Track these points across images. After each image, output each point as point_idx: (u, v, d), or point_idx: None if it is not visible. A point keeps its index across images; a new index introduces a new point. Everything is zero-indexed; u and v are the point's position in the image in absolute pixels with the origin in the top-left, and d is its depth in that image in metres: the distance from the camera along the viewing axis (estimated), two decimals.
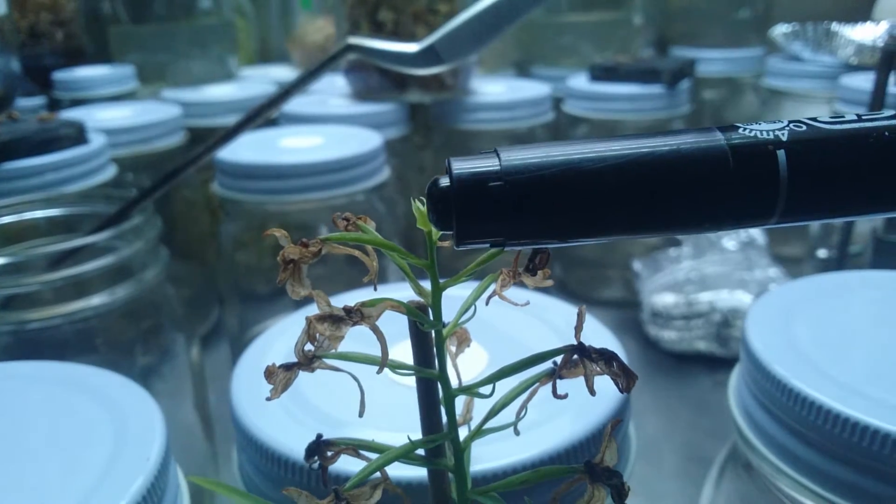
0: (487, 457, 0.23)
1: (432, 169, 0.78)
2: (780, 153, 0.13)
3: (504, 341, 0.31)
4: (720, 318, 0.65)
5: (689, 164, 0.13)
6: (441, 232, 0.15)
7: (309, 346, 0.16)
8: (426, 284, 0.17)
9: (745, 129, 0.13)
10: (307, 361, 0.16)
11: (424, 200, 0.16)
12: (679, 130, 0.13)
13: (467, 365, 0.28)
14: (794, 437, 0.27)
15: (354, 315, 0.15)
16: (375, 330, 0.16)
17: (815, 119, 0.13)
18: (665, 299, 0.67)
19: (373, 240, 0.16)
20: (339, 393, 0.27)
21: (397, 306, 0.16)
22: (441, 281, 0.17)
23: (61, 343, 0.41)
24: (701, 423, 0.59)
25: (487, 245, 0.14)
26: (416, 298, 0.17)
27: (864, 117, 0.13)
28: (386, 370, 0.17)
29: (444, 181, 0.14)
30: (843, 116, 0.13)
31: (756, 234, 0.74)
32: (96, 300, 0.41)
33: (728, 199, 0.13)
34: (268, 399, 0.16)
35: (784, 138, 0.13)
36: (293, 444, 0.25)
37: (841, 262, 0.55)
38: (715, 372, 0.65)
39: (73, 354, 0.42)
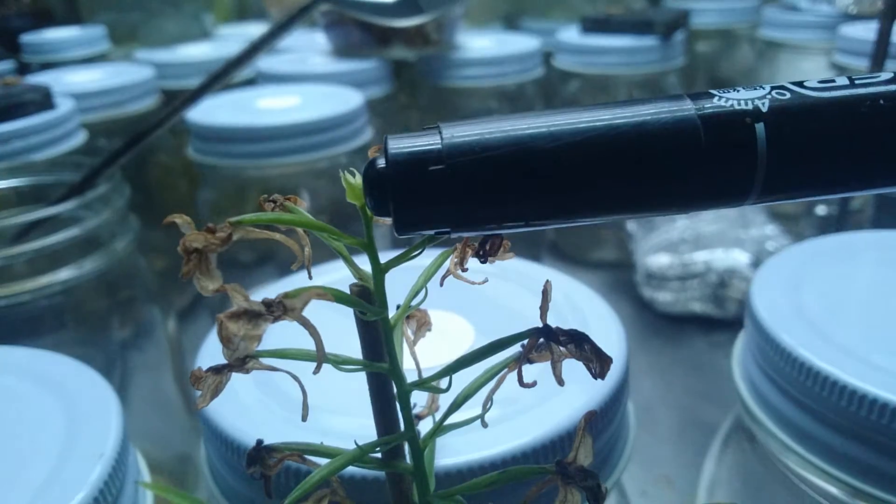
0: (457, 450, 0.22)
1: (417, 129, 0.76)
2: (759, 126, 0.11)
3: (494, 315, 0.29)
4: (716, 279, 0.63)
5: (654, 140, 0.11)
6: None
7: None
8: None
9: (720, 98, 0.11)
10: (239, 363, 0.14)
11: (355, 172, 0.14)
12: (646, 99, 0.12)
13: (452, 345, 0.27)
14: (802, 410, 0.25)
15: (275, 309, 0.13)
16: (305, 323, 0.14)
17: (801, 84, 0.11)
18: (660, 260, 0.65)
19: (293, 220, 0.14)
20: (309, 378, 0.25)
21: (324, 294, 0.14)
22: (385, 262, 0.15)
23: (31, 320, 0.40)
24: (697, 386, 0.58)
25: (432, 233, 0.13)
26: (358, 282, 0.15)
27: (856, 81, 0.12)
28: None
29: (381, 162, 0.12)
30: (833, 81, 0.12)
31: None
32: (64, 274, 0.40)
33: (699, 178, 0.11)
34: (197, 408, 0.14)
35: (764, 109, 0.11)
36: (261, 434, 0.23)
37: (841, 219, 0.54)
38: (711, 333, 0.64)
39: (45, 331, 0.41)
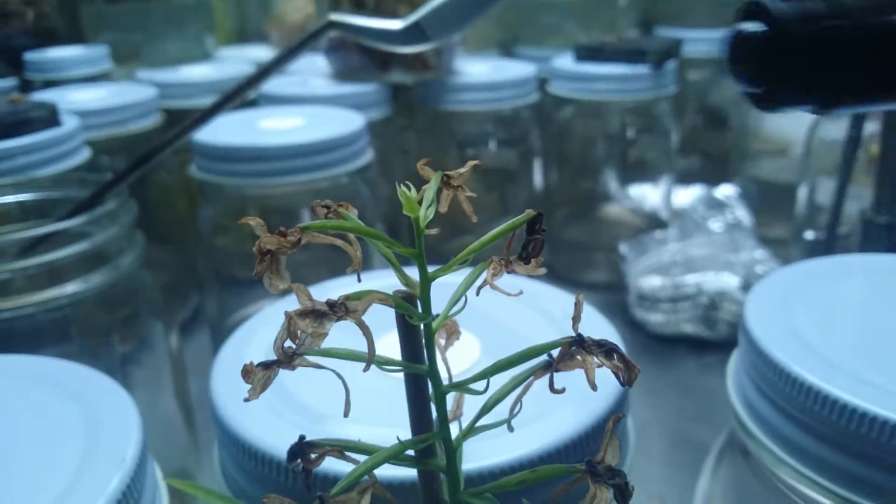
0: (482, 454, 0.22)
1: (416, 151, 0.77)
2: None
3: (497, 331, 0.30)
4: (707, 301, 0.64)
5: None
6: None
7: (290, 343, 0.14)
8: (413, 273, 0.16)
9: None
10: (287, 359, 0.15)
11: (410, 186, 0.15)
12: None
13: (458, 357, 0.27)
14: (795, 424, 0.26)
15: (338, 309, 0.14)
16: (361, 325, 0.15)
17: None
18: (651, 282, 0.66)
19: (355, 227, 0.15)
20: (324, 386, 0.26)
21: (385, 299, 0.15)
22: (429, 270, 0.16)
23: (35, 333, 0.40)
24: (689, 406, 0.58)
25: (801, 108, 0.11)
26: (402, 288, 0.16)
27: None
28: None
29: (752, 27, 0.11)
30: None
31: (742, 216, 0.73)
32: (70, 288, 0.40)
33: None
34: (246, 400, 0.15)
35: None
36: (276, 441, 0.24)
37: (829, 244, 0.55)
38: (702, 355, 0.65)
39: (48, 344, 0.41)
